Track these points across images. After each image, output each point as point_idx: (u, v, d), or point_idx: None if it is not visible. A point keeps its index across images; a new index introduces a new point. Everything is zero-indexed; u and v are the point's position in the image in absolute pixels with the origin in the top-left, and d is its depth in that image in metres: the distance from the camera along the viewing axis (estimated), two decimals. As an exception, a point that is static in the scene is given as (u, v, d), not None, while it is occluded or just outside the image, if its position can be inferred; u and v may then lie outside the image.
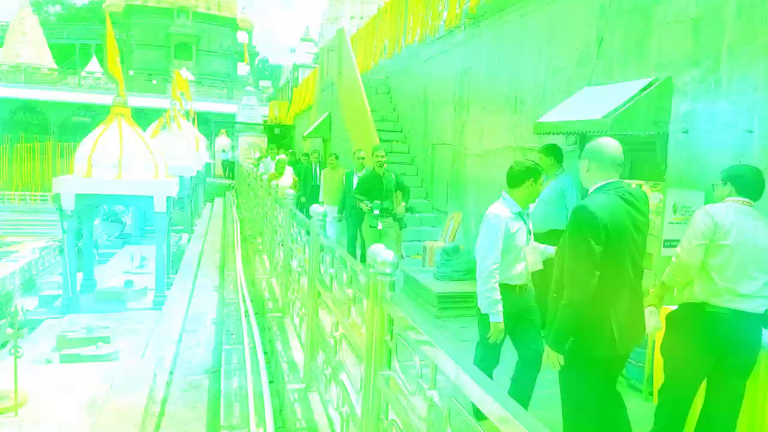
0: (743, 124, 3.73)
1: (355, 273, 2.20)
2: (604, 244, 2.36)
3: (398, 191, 6.26)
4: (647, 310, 2.79)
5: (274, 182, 6.39)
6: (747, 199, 2.83)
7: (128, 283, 7.34)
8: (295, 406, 2.83)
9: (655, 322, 2.83)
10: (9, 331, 3.96)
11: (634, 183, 4.05)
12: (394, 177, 6.17)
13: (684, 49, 4.18)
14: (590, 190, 2.61)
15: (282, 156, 10.43)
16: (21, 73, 34.89)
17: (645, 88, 4.22)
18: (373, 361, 1.75)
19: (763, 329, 2.82)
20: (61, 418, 3.28)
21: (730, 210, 2.73)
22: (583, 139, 5.21)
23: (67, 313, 6.47)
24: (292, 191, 4.38)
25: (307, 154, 11.96)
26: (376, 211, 5.80)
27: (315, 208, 3.19)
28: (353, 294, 2.20)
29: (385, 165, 6.02)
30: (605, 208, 2.43)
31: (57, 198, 6.60)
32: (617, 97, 4.29)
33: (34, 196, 29.92)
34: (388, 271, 1.70)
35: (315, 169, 10.13)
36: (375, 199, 5.85)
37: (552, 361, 2.49)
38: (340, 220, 6.53)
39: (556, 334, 2.47)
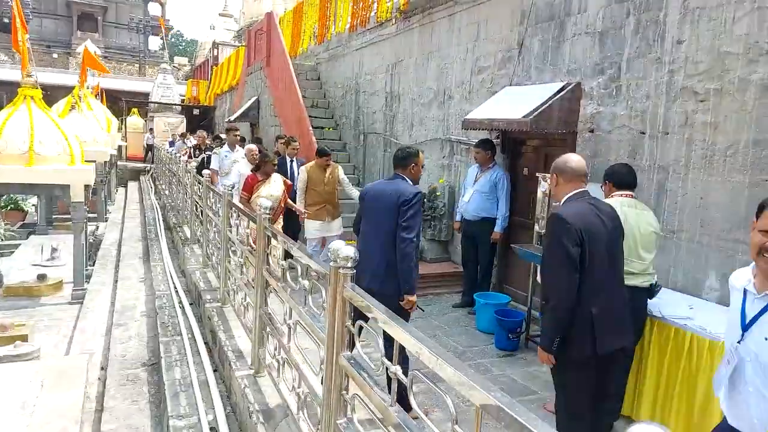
0: (638, 126, 4.31)
1: (310, 266, 2.38)
2: (581, 247, 2.47)
3: None
4: None
5: (260, 197, 4.18)
6: (628, 192, 3.42)
7: (41, 277, 6.91)
8: (246, 391, 2.96)
9: None
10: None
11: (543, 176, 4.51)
12: None
13: (592, 58, 4.70)
14: (561, 202, 2.73)
15: (252, 146, 7.04)
16: None
17: (558, 92, 4.70)
18: (335, 344, 1.96)
19: (648, 300, 3.37)
20: (-8, 420, 3.15)
21: (617, 203, 3.22)
22: (505, 134, 5.66)
23: (-29, 311, 5.97)
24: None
25: (286, 140, 7.32)
26: None
27: (264, 202, 3.08)
28: (309, 285, 2.38)
29: None
30: (578, 215, 2.55)
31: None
32: (535, 99, 4.74)
33: None
34: (349, 265, 1.92)
35: (292, 166, 6.98)
36: None
37: (543, 359, 2.65)
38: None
39: (543, 334, 2.64)
